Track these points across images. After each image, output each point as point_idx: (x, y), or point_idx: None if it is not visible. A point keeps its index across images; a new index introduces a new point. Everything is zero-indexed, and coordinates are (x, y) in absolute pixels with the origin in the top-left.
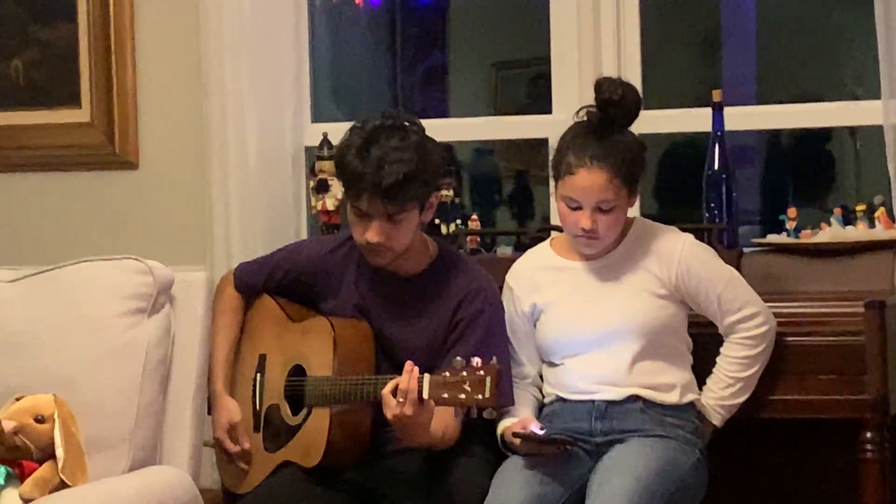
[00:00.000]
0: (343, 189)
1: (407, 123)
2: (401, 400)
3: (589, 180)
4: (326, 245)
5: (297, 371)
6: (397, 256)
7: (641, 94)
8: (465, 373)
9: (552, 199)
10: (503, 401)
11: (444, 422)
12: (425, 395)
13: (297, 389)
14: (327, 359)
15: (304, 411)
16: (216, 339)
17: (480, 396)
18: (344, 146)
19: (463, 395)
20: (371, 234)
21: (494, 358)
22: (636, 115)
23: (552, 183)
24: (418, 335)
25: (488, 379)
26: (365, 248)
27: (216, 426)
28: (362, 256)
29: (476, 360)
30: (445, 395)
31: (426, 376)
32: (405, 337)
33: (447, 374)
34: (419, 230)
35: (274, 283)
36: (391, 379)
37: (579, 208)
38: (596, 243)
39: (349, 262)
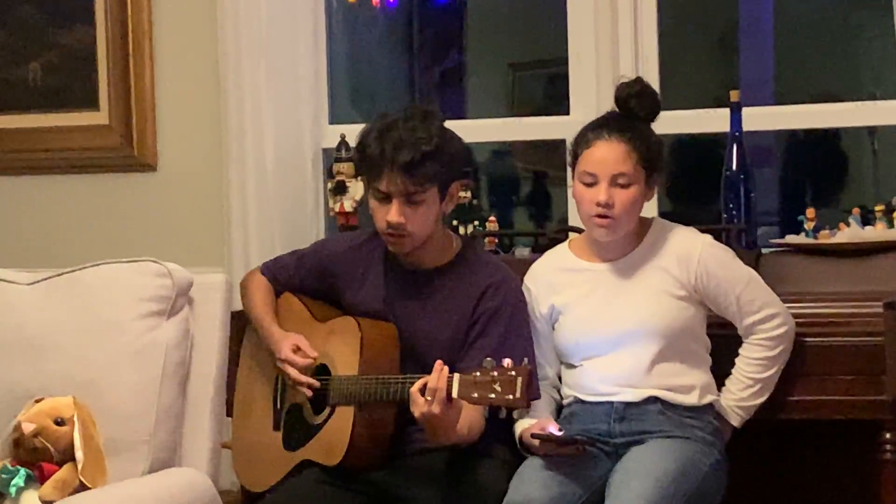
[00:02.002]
0: (364, 176)
1: (430, 110)
2: (429, 398)
3: (606, 150)
4: (352, 240)
5: (322, 371)
6: (419, 246)
7: (659, 95)
8: (495, 373)
9: (570, 200)
10: (530, 396)
11: (469, 418)
12: (454, 395)
13: (321, 389)
14: (353, 359)
15: (327, 410)
16: (253, 301)
17: (511, 397)
18: (364, 133)
19: (493, 395)
20: (392, 215)
21: (525, 360)
22: (656, 110)
23: (570, 173)
24: (442, 329)
25: (519, 380)
26: (386, 235)
27: (282, 350)
28: (387, 252)
29: (507, 361)
30: (475, 395)
31: (456, 375)
32: (429, 330)
33: (478, 373)
34: (441, 223)
35: (300, 277)
36: (418, 378)
37: (595, 184)
38: (611, 225)
39: (374, 257)
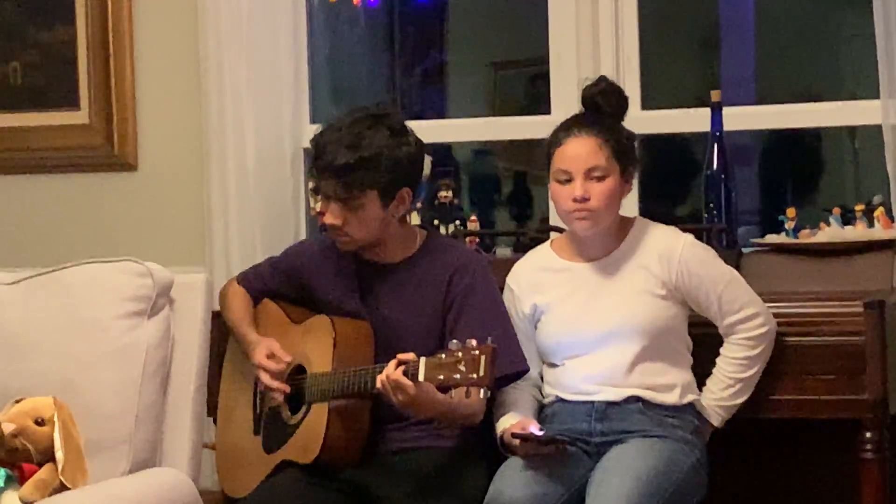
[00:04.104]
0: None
1: (385, 117)
2: (389, 388)
3: (578, 145)
4: (322, 242)
5: (298, 371)
6: (378, 246)
7: (640, 94)
8: (460, 353)
9: (551, 200)
10: (516, 365)
11: (460, 392)
12: (421, 378)
13: (297, 388)
14: (327, 356)
15: (304, 409)
16: (231, 309)
17: (475, 375)
18: (319, 132)
19: (458, 376)
20: (328, 217)
21: (490, 338)
22: (623, 105)
23: (547, 174)
24: (416, 318)
25: (483, 358)
26: (328, 231)
27: (256, 355)
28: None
29: (471, 341)
30: (441, 377)
31: (422, 359)
32: (404, 322)
33: (443, 355)
34: (396, 223)
35: (275, 283)
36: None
37: (570, 180)
38: (590, 217)
39: (344, 257)
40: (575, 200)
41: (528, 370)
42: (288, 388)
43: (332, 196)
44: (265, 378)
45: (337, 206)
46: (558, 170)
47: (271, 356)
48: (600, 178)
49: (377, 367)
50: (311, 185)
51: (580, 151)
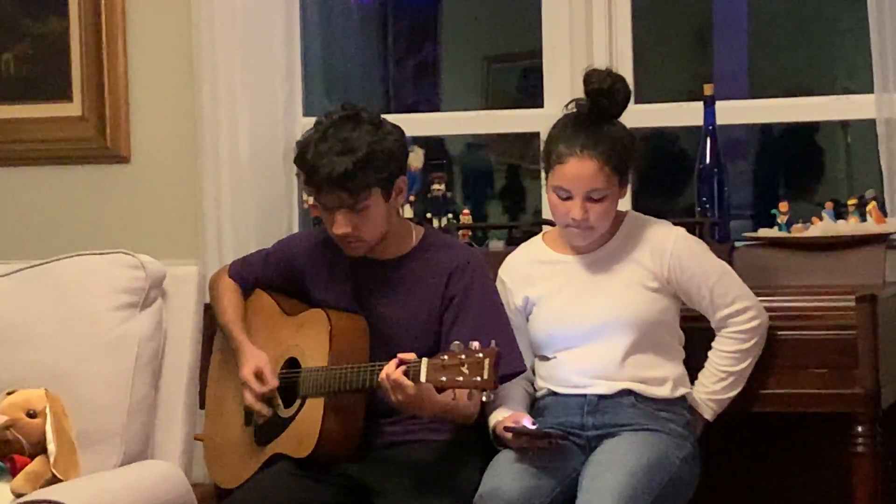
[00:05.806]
0: (306, 186)
1: (361, 113)
2: (389, 387)
3: (579, 169)
4: (316, 237)
5: (291, 364)
6: (375, 244)
7: (633, 88)
8: (463, 356)
9: (544, 193)
10: (513, 367)
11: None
12: (423, 379)
13: (291, 382)
14: (323, 350)
15: (298, 403)
16: (222, 306)
17: (478, 378)
18: (301, 145)
19: (461, 378)
20: (338, 227)
21: (493, 342)
22: (626, 105)
23: (543, 175)
24: (414, 316)
25: (486, 361)
26: (338, 241)
27: (244, 372)
28: None
29: (475, 344)
30: (443, 378)
31: (424, 360)
32: (400, 319)
33: (445, 357)
34: (395, 215)
35: (267, 276)
36: (386, 365)
37: (570, 198)
38: (588, 234)
39: (339, 252)
40: (574, 220)
41: (525, 370)
42: (269, 413)
43: (337, 206)
44: (248, 397)
45: (343, 215)
46: (558, 186)
47: (259, 375)
48: (600, 199)
49: (376, 366)
50: (303, 178)
51: (582, 174)
